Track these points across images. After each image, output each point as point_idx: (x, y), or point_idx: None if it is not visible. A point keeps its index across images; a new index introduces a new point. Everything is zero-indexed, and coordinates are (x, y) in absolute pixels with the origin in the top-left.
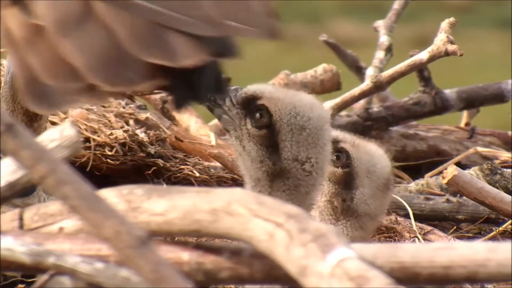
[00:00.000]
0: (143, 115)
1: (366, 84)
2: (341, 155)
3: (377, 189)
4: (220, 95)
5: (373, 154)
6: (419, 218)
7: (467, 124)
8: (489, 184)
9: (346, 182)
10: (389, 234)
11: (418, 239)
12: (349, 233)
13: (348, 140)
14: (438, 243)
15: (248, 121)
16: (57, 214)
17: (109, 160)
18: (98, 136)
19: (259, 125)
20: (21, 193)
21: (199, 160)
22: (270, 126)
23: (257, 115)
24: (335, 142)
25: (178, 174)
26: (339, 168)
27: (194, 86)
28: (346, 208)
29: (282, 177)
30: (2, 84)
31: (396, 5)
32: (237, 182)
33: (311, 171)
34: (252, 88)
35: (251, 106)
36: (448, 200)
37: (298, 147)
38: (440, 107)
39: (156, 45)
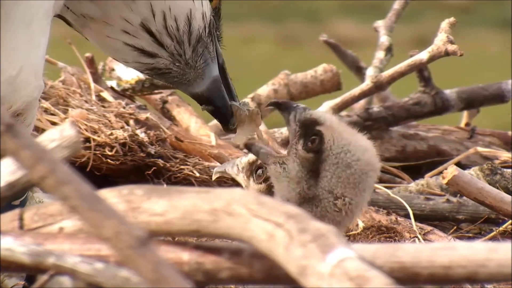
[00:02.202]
0: (143, 115)
1: (366, 84)
2: (317, 138)
3: (351, 181)
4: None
5: (356, 144)
6: (419, 218)
7: (467, 124)
8: (489, 184)
9: (314, 166)
10: (389, 234)
11: (418, 239)
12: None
13: (333, 126)
14: (438, 243)
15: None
16: (57, 214)
17: (109, 160)
18: (98, 136)
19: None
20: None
21: (199, 160)
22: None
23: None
24: (314, 123)
25: (178, 174)
26: (310, 152)
27: None
28: (311, 195)
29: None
30: None
31: (396, 5)
32: (237, 182)
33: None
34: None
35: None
36: (448, 200)
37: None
38: (440, 107)
39: None
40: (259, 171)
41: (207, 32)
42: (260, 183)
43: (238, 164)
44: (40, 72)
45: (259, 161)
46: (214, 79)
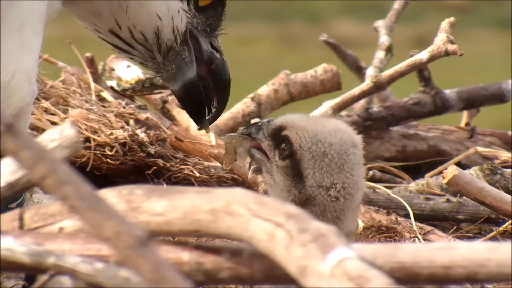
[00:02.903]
0: (143, 115)
1: (366, 84)
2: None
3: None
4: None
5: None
6: (419, 218)
7: (467, 124)
8: (489, 184)
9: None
10: (389, 234)
11: (418, 239)
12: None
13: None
14: (438, 243)
15: (276, 152)
16: (57, 214)
17: (109, 160)
18: (98, 136)
19: (283, 156)
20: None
21: (199, 160)
22: (292, 155)
23: (282, 146)
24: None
25: (178, 174)
26: (284, 159)
27: None
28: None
29: (310, 204)
30: None
31: (396, 5)
32: (237, 182)
33: (337, 197)
34: (280, 119)
35: (278, 137)
36: (448, 200)
37: (321, 174)
38: (440, 107)
39: None
40: (283, 146)
41: (179, 43)
42: (284, 159)
43: (264, 128)
44: (33, 77)
45: (285, 131)
46: (186, 83)
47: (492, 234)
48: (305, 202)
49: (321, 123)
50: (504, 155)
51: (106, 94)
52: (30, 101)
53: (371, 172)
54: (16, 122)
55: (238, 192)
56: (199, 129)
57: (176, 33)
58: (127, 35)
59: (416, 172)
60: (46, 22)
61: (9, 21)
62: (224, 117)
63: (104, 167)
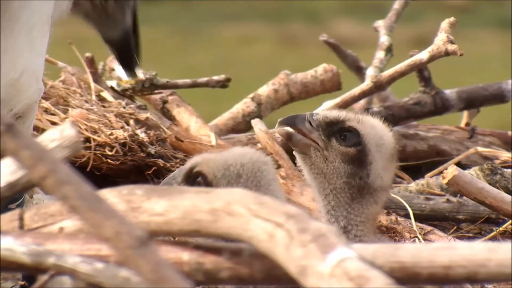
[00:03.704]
0: (143, 115)
1: (366, 84)
2: (350, 134)
3: (387, 160)
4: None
5: (377, 127)
6: (419, 218)
7: (467, 124)
8: (489, 184)
9: (360, 160)
10: (389, 234)
11: (418, 239)
12: (365, 210)
13: (353, 117)
14: (438, 243)
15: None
16: (57, 214)
17: (109, 160)
18: (98, 136)
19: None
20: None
21: None
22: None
23: (344, 134)
24: (340, 122)
25: None
26: (351, 147)
27: None
28: (363, 185)
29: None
30: None
31: (396, 5)
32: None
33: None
34: (193, 160)
35: (336, 127)
36: (448, 200)
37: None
38: (440, 107)
39: None
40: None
41: None
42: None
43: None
44: (40, 75)
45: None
46: (127, 30)
47: (492, 234)
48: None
49: (229, 151)
50: (504, 155)
51: (106, 94)
52: (37, 99)
53: None
54: (18, 122)
55: (238, 192)
56: (132, 76)
57: None
58: None
59: (416, 172)
60: (55, 22)
61: (20, 22)
62: (224, 117)
63: (104, 167)
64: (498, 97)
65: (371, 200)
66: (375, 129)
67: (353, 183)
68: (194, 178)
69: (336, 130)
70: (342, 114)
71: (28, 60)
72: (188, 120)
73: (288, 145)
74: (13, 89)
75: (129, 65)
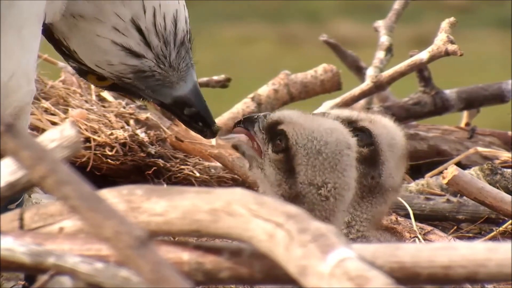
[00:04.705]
0: (143, 115)
1: (366, 84)
2: (362, 134)
3: (399, 160)
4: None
5: (389, 127)
6: (419, 218)
7: (467, 124)
8: (489, 184)
9: (372, 159)
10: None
11: (419, 239)
12: (373, 209)
13: (365, 117)
14: (438, 243)
15: (270, 145)
16: (57, 214)
17: (109, 160)
18: (98, 136)
19: (277, 150)
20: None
21: (199, 160)
22: (287, 149)
23: (277, 140)
24: (352, 122)
25: (179, 174)
26: (364, 147)
27: None
28: (375, 185)
29: (299, 201)
30: None
31: (396, 5)
32: (237, 182)
33: (327, 196)
34: (277, 114)
35: (274, 131)
36: (448, 200)
37: (313, 172)
38: (440, 107)
39: None
40: (278, 140)
41: (188, 37)
42: (277, 153)
43: (259, 122)
44: (32, 77)
45: (281, 125)
46: (196, 83)
47: (492, 234)
48: (294, 198)
49: (318, 121)
50: (504, 155)
51: (106, 94)
52: (29, 101)
53: None
54: (16, 122)
55: (238, 192)
56: (213, 133)
57: (187, 24)
58: (149, 20)
59: (416, 172)
60: (48, 23)
61: (9, 21)
62: (224, 117)
63: (104, 167)
64: (498, 97)
65: (381, 200)
66: (387, 129)
67: (365, 182)
68: (276, 135)
69: (349, 130)
70: (354, 114)
71: (19, 60)
72: None
73: None
74: (3, 91)
75: (208, 121)
